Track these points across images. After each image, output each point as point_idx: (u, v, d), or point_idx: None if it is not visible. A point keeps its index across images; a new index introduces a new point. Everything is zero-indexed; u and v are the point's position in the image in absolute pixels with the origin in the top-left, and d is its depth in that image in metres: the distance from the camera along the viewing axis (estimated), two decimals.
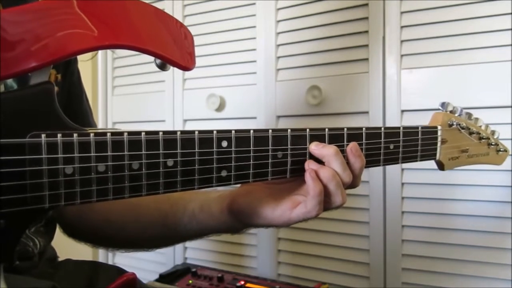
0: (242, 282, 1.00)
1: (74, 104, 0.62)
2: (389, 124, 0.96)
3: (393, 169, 0.96)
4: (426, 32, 0.92)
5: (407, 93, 0.94)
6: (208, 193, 0.56)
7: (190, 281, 1.03)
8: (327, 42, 1.04)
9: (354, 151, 0.47)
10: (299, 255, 1.10)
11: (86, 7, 0.35)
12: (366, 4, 0.98)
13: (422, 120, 0.96)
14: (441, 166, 0.61)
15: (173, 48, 0.39)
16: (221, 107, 1.18)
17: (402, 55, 0.95)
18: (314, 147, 0.46)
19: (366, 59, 0.99)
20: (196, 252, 1.26)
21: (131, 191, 0.36)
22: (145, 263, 1.32)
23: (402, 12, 0.94)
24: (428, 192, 0.93)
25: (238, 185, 0.53)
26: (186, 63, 0.40)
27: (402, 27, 0.94)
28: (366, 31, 0.98)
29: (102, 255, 1.44)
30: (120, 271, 0.61)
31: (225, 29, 1.18)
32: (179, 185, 0.38)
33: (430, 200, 0.93)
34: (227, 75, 1.19)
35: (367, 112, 0.99)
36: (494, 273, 0.87)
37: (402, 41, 0.95)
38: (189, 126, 1.26)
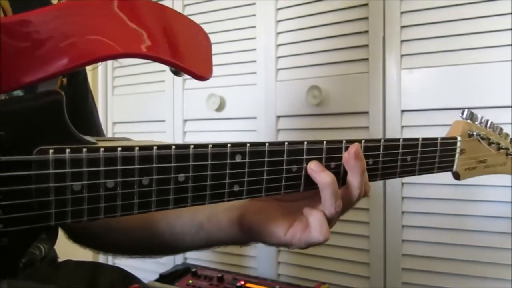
0: (242, 282, 1.00)
1: (79, 106, 0.61)
2: (389, 124, 0.96)
3: None
4: (426, 32, 0.92)
5: (407, 93, 0.94)
6: (217, 204, 0.55)
7: (190, 281, 1.03)
8: (327, 42, 1.04)
9: (356, 152, 0.44)
10: (299, 255, 1.10)
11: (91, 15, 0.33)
12: (366, 4, 0.98)
13: (423, 121, 0.96)
14: (457, 176, 0.59)
15: (188, 56, 0.37)
16: (221, 107, 1.18)
17: (402, 55, 0.95)
18: (313, 168, 0.43)
19: (366, 59, 0.99)
20: (196, 252, 1.26)
21: (140, 208, 0.34)
22: (145, 263, 1.32)
23: (402, 12, 0.94)
24: (428, 192, 0.93)
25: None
26: (201, 73, 0.38)
27: (402, 27, 0.94)
28: (366, 31, 0.98)
29: (103, 256, 1.44)
30: (121, 272, 0.61)
31: (225, 29, 1.18)
32: (189, 201, 0.37)
33: (430, 200, 0.93)
34: (227, 75, 1.19)
35: (367, 112, 0.99)
36: (494, 273, 0.87)
37: (402, 41, 0.95)
38: (189, 126, 1.26)
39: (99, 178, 0.32)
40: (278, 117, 1.11)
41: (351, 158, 0.44)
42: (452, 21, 0.90)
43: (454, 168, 0.57)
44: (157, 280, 1.04)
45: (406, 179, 0.95)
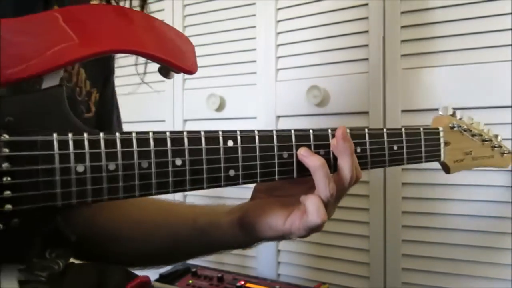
0: (242, 282, 1.00)
1: (104, 120, 0.60)
2: (389, 124, 0.96)
3: (393, 169, 0.95)
4: (426, 32, 0.92)
5: (407, 93, 0.94)
6: (218, 208, 0.55)
7: (190, 281, 1.03)
8: (327, 42, 1.04)
9: (343, 134, 0.46)
10: (299, 255, 1.10)
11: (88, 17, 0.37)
12: (366, 4, 0.98)
13: (422, 121, 0.96)
14: (447, 169, 0.61)
15: (175, 54, 0.41)
16: (221, 107, 1.18)
17: (402, 55, 0.95)
18: (303, 153, 0.45)
19: (366, 59, 0.99)
20: None
21: (141, 190, 0.36)
22: None
23: (402, 12, 0.94)
24: (428, 192, 0.93)
25: (248, 199, 0.53)
26: (189, 67, 0.41)
27: (402, 27, 0.94)
28: (366, 31, 0.98)
29: None
30: (125, 271, 0.61)
31: (225, 29, 1.18)
32: (188, 184, 0.38)
33: (430, 200, 0.93)
34: (227, 75, 1.19)
35: (367, 112, 0.99)
36: (494, 273, 0.87)
37: (402, 41, 0.95)
38: (189, 126, 1.26)
39: (100, 160, 0.34)
40: (278, 117, 1.11)
41: (339, 141, 0.45)
42: (452, 21, 0.90)
43: (442, 158, 0.59)
44: (157, 280, 1.04)
45: (406, 179, 0.95)
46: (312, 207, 0.43)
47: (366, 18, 0.98)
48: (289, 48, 1.10)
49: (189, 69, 0.41)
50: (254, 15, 1.13)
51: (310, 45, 1.06)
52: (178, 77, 1.26)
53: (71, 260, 0.62)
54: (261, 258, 1.14)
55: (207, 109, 1.19)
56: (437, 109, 0.91)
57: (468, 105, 0.88)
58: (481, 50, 0.88)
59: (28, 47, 0.33)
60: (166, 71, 0.41)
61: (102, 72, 0.59)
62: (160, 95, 1.29)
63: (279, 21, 1.10)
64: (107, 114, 0.62)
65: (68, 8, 0.38)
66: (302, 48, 1.07)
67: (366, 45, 0.99)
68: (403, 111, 0.95)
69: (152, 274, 1.14)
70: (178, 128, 1.27)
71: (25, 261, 0.37)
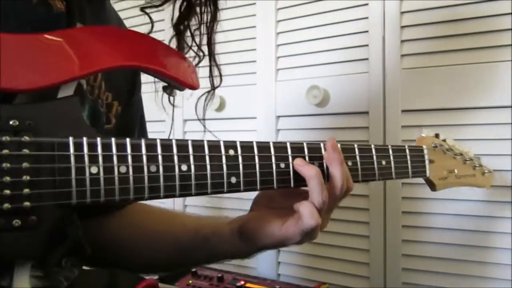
0: (242, 282, 1.00)
1: (124, 134, 0.62)
2: (389, 124, 0.96)
3: None
4: (426, 32, 0.92)
5: (407, 93, 0.94)
6: (220, 219, 0.58)
7: (190, 281, 1.03)
8: (327, 42, 1.04)
9: (333, 145, 0.49)
10: (299, 255, 1.10)
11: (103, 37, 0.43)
12: (366, 4, 0.98)
13: (422, 121, 0.96)
14: (432, 186, 0.66)
15: (179, 71, 0.46)
16: (221, 107, 1.18)
17: (402, 55, 0.95)
18: (299, 163, 0.48)
19: (366, 59, 0.99)
20: None
21: (149, 192, 0.39)
22: None
23: (402, 12, 0.94)
24: (428, 192, 0.93)
25: (247, 210, 0.56)
26: (192, 83, 0.47)
27: (402, 27, 0.94)
28: (366, 31, 0.98)
29: None
30: (136, 277, 0.61)
31: (225, 29, 1.18)
32: (193, 189, 0.41)
33: (430, 200, 0.93)
34: (227, 75, 1.18)
35: (367, 112, 0.99)
36: (494, 273, 0.87)
37: (402, 41, 0.95)
38: (189, 126, 1.26)
39: (112, 162, 0.37)
40: (278, 117, 1.11)
41: (329, 151, 0.49)
42: (452, 21, 0.90)
43: (427, 174, 0.63)
44: (157, 280, 1.04)
45: (406, 180, 0.95)
46: (305, 211, 0.46)
47: (366, 18, 0.98)
48: (289, 48, 1.10)
49: (193, 85, 0.47)
50: (254, 15, 1.13)
51: (310, 45, 1.06)
52: None
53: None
54: (261, 258, 1.13)
55: (207, 109, 1.18)
56: (437, 109, 0.92)
57: (468, 105, 0.88)
58: (481, 50, 0.88)
59: (47, 60, 0.37)
60: (170, 89, 0.48)
61: (125, 86, 0.61)
62: (159, 95, 1.29)
63: (279, 21, 1.10)
64: (129, 127, 0.64)
65: (89, 28, 0.47)
66: (302, 48, 1.07)
67: (366, 45, 0.99)
68: (403, 111, 0.95)
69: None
70: (178, 128, 1.27)
71: (45, 269, 0.39)
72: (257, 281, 1.02)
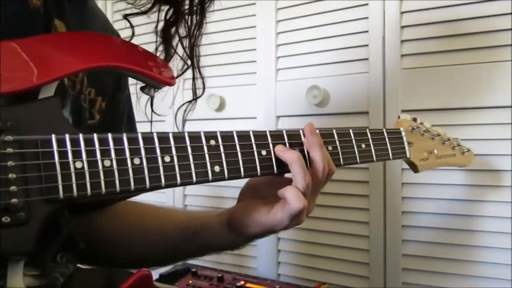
0: (242, 282, 1.00)
1: (110, 130, 0.62)
2: (389, 124, 0.96)
3: (393, 169, 0.96)
4: (426, 32, 0.92)
5: (407, 93, 0.94)
6: (209, 213, 0.59)
7: (190, 281, 1.03)
8: (327, 42, 1.04)
9: (311, 129, 0.50)
10: (299, 255, 1.10)
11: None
12: (366, 4, 0.98)
13: (422, 120, 0.96)
14: (414, 168, 0.66)
15: (152, 69, 0.47)
16: (221, 107, 1.18)
17: (402, 55, 0.95)
18: (280, 149, 0.49)
19: (366, 59, 0.99)
20: None
21: (136, 183, 0.39)
22: None
23: (402, 12, 0.94)
24: (428, 192, 0.93)
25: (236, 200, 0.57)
26: (167, 80, 0.48)
27: (402, 27, 0.94)
28: (366, 31, 0.98)
29: None
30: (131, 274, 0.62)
31: (225, 29, 1.18)
32: (178, 179, 0.42)
33: (430, 200, 0.93)
34: (227, 75, 1.19)
35: (367, 112, 0.99)
36: (494, 273, 0.87)
37: (402, 41, 0.95)
38: (188, 127, 1.26)
39: (96, 156, 0.37)
40: (278, 117, 1.11)
41: (308, 136, 0.50)
42: (452, 21, 0.90)
43: (408, 155, 0.64)
44: (157, 280, 1.04)
45: (406, 179, 0.95)
46: (290, 195, 0.46)
47: (366, 18, 0.98)
48: (289, 48, 1.10)
49: (168, 82, 0.48)
50: (254, 15, 1.14)
51: (310, 45, 1.06)
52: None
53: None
54: (261, 258, 1.14)
55: (207, 109, 1.19)
56: (437, 109, 0.92)
57: (468, 105, 0.88)
58: (481, 50, 0.88)
59: (27, 63, 0.38)
60: (148, 88, 0.49)
61: (109, 82, 0.61)
62: (159, 95, 1.29)
63: (279, 21, 1.10)
64: (115, 124, 0.65)
65: (68, 33, 0.48)
66: (302, 48, 1.07)
67: (366, 45, 0.99)
68: (403, 111, 0.95)
69: (153, 274, 1.14)
70: (178, 128, 1.26)
71: (40, 266, 0.39)
72: (257, 281, 1.02)
